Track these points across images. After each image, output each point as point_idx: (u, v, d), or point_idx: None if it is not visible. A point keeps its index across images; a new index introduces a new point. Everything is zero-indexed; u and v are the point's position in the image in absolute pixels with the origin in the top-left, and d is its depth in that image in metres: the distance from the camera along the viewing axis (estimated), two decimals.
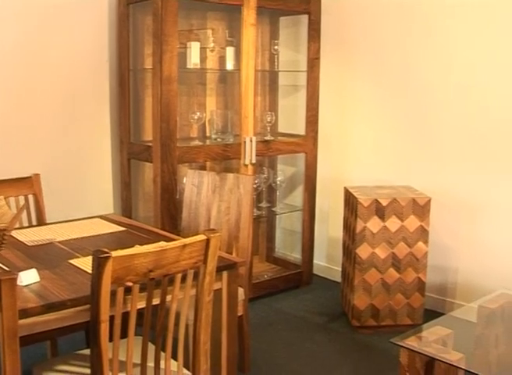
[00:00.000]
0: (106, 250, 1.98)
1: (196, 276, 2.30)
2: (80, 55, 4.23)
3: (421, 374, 2.98)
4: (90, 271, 2.17)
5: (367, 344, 3.97)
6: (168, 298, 2.23)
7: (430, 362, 2.92)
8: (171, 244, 2.12)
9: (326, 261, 5.17)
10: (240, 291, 3.36)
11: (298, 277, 4.93)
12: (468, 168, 4.23)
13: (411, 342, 2.95)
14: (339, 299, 4.64)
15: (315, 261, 5.10)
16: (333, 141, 5.00)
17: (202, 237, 2.22)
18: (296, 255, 5.21)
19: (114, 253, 1.99)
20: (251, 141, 4.37)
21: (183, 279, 2.24)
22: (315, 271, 5.13)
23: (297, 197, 5.17)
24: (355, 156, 4.88)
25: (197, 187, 3.63)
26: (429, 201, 4.00)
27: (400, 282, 4.05)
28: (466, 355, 2.88)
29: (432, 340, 2.99)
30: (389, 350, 3.84)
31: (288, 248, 5.38)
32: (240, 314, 3.37)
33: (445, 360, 2.80)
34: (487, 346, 3.14)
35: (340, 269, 4.55)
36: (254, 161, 4.42)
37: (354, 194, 4.05)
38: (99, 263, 1.97)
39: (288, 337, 4.05)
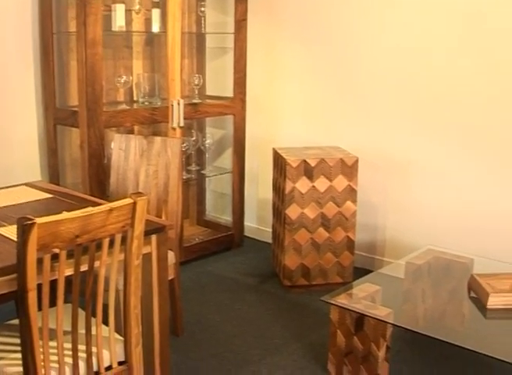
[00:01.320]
0: (31, 217, 1.95)
1: (124, 240, 2.28)
2: (1, 19, 4.10)
3: (351, 330, 3.04)
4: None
5: (298, 303, 4.03)
6: (97, 263, 2.21)
7: (360, 318, 2.99)
8: (97, 209, 2.10)
9: (257, 222, 5.21)
10: (171, 254, 3.35)
11: (229, 239, 4.95)
12: (396, 127, 4.29)
13: (341, 300, 3.01)
14: (271, 260, 4.68)
15: (246, 223, 5.13)
16: (262, 103, 5.00)
17: (129, 200, 2.20)
18: (226, 218, 5.23)
19: (38, 220, 1.96)
20: (179, 104, 4.34)
21: (111, 244, 2.22)
22: (246, 233, 5.17)
23: (227, 159, 5.16)
24: (284, 117, 4.89)
25: (125, 151, 3.59)
26: (357, 160, 4.05)
27: (330, 241, 4.11)
28: (394, 310, 2.95)
29: (361, 296, 3.05)
30: (320, 308, 3.91)
31: (218, 210, 5.39)
32: (171, 277, 3.37)
33: (374, 316, 2.87)
34: (414, 301, 3.22)
35: (271, 230, 4.59)
36: (182, 124, 4.39)
37: (283, 155, 4.06)
38: (23, 230, 1.94)
39: (220, 299, 4.08)
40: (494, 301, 3.00)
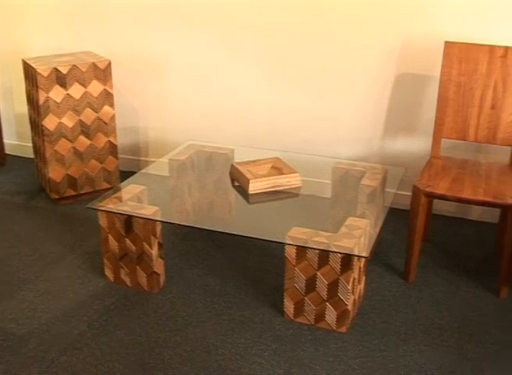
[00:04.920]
0: None
1: None
2: None
3: (122, 233, 3.06)
4: None
5: (69, 214, 3.97)
6: None
7: (128, 220, 3.01)
8: None
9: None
10: None
11: None
12: (146, 26, 4.23)
13: (107, 204, 3.00)
14: (36, 175, 4.54)
15: (6, 140, 4.91)
16: (8, 12, 4.70)
17: None
18: None
19: None
20: None
21: None
22: (7, 151, 4.95)
23: None
24: (33, 26, 4.64)
25: None
26: (109, 64, 3.97)
27: (92, 148, 4.05)
28: (162, 207, 3.00)
29: (127, 198, 3.06)
30: (91, 216, 3.89)
31: None
32: None
33: (141, 215, 2.90)
34: (182, 196, 3.28)
35: (32, 144, 4.43)
36: None
37: (32, 65, 3.89)
38: None
39: None
40: (254, 187, 3.13)
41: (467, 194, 2.99)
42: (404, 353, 2.74)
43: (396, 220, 3.90)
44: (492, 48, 3.29)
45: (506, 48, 3.27)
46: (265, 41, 3.97)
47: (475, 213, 3.94)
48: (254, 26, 3.95)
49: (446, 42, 3.35)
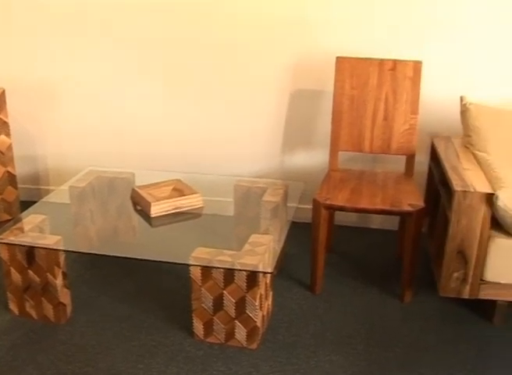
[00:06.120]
0: None
1: None
2: None
3: (24, 265, 3.00)
4: None
5: None
6: None
7: (30, 251, 2.95)
8: None
9: None
10: None
11: None
12: (39, 52, 4.17)
13: (8, 236, 2.94)
14: None
15: None
16: None
17: None
18: None
19: None
20: None
21: None
22: None
23: None
24: None
25: None
26: (3, 92, 3.90)
27: None
28: (64, 236, 2.95)
29: (28, 229, 3.00)
30: None
31: None
32: None
33: (43, 246, 2.85)
34: (84, 223, 3.24)
35: None
36: None
37: None
38: None
39: None
40: (156, 210, 3.13)
41: (365, 204, 3.07)
42: (316, 364, 2.78)
43: (300, 234, 3.96)
44: (381, 62, 3.40)
45: (395, 61, 3.39)
46: (163, 61, 3.98)
47: (376, 222, 4.04)
48: (149, 47, 3.96)
49: (338, 57, 3.45)
